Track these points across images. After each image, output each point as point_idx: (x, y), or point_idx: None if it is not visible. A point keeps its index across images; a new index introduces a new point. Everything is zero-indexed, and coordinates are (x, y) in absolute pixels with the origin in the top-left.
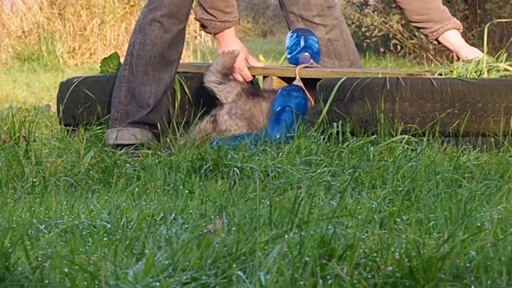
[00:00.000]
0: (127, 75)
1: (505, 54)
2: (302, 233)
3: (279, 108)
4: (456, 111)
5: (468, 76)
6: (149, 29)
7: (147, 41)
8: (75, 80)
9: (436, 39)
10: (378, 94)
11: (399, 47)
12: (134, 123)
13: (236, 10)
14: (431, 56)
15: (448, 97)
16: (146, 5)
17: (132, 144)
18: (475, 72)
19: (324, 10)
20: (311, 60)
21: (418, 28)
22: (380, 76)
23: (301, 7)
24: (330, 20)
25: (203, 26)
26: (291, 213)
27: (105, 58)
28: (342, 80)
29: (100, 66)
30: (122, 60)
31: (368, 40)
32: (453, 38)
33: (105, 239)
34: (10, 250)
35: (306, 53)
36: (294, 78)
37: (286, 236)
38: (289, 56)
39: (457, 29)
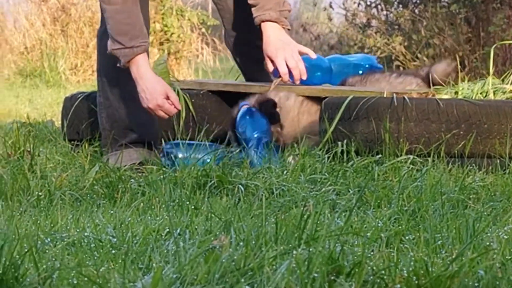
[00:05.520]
0: (103, 101)
1: (511, 76)
2: (310, 250)
3: (257, 134)
4: (461, 132)
5: (473, 97)
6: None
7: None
8: (79, 96)
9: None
10: (383, 114)
11: (401, 68)
12: (123, 145)
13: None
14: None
15: (454, 118)
16: (101, 25)
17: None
18: (480, 93)
19: None
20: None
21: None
22: (385, 95)
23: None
24: None
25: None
26: (298, 230)
27: None
28: (348, 99)
29: None
30: None
31: None
32: (267, 30)
33: (111, 252)
34: (19, 261)
35: None
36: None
37: (294, 252)
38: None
39: (276, 22)
